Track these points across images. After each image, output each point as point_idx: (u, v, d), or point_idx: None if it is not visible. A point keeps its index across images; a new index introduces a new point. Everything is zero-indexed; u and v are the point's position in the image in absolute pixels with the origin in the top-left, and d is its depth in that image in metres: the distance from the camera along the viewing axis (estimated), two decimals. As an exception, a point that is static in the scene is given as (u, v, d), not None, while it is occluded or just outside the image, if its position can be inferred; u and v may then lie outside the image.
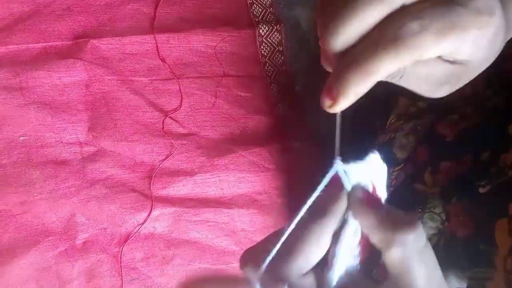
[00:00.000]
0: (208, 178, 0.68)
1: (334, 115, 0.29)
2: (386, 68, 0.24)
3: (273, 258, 0.27)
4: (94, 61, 0.64)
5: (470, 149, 0.41)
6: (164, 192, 0.65)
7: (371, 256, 0.29)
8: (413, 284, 0.25)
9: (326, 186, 0.29)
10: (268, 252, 0.27)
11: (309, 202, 0.28)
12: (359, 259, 0.30)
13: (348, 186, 0.29)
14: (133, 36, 0.66)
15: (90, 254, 0.61)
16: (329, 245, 0.28)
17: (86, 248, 0.61)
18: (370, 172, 0.29)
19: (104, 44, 0.65)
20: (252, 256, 0.28)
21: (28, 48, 0.61)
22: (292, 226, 0.27)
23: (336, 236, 0.29)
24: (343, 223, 0.29)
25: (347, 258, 0.29)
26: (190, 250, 0.65)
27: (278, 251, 0.27)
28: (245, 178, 0.70)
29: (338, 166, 0.28)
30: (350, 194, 0.28)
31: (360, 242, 0.30)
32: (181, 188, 0.66)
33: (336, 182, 0.29)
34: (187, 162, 0.67)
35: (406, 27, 0.24)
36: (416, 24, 0.24)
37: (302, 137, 0.76)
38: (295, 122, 0.76)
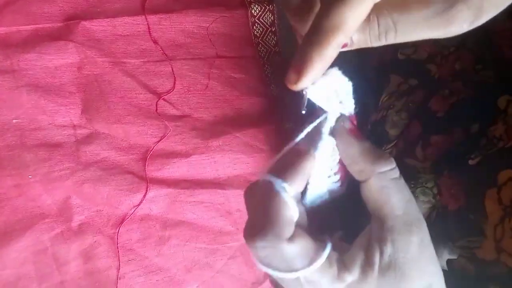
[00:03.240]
0: (203, 159, 0.68)
1: None
2: (347, 19, 0.23)
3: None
4: (86, 43, 0.64)
5: (460, 123, 0.41)
6: (159, 174, 0.65)
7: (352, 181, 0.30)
8: (393, 210, 0.27)
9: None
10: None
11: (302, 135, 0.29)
12: (339, 177, 0.31)
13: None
14: (124, 17, 0.66)
15: (86, 236, 0.61)
16: None
17: (82, 230, 0.61)
18: (333, 85, 0.30)
19: (95, 25, 0.64)
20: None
21: (18, 30, 0.61)
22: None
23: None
24: (317, 140, 0.30)
25: (325, 175, 0.31)
26: (186, 231, 0.66)
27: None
28: (239, 159, 0.70)
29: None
30: (337, 123, 0.30)
31: (339, 167, 0.31)
32: (176, 169, 0.66)
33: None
34: (182, 143, 0.67)
35: None
36: None
37: (296, 117, 0.76)
38: (288, 102, 0.76)
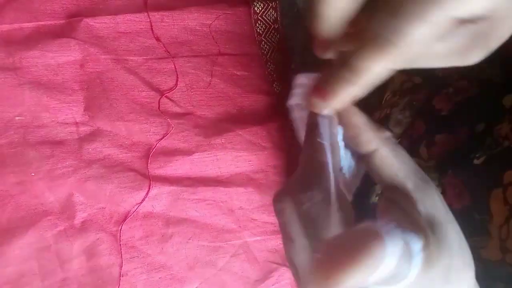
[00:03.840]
0: (206, 157, 0.68)
1: None
2: (374, 66, 0.24)
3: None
4: (88, 40, 0.63)
5: (465, 122, 0.41)
6: (162, 171, 0.65)
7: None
8: (410, 172, 0.27)
9: None
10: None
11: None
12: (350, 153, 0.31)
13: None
14: (126, 14, 0.66)
15: (89, 233, 0.61)
16: None
17: (85, 227, 0.61)
18: None
19: (97, 22, 0.64)
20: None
21: (21, 28, 0.60)
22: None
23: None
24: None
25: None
26: (188, 228, 0.66)
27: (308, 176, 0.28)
28: (242, 157, 0.70)
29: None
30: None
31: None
32: (179, 167, 0.66)
33: None
34: (184, 141, 0.67)
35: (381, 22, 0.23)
36: (388, 15, 0.23)
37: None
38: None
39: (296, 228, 0.26)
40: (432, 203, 0.27)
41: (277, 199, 0.28)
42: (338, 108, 0.28)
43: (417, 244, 0.25)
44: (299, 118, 0.34)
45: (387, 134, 0.28)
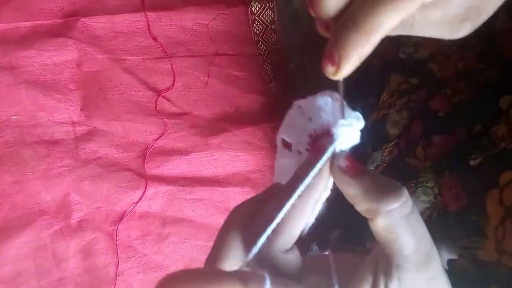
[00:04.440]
0: (202, 157, 0.68)
1: (332, 86, 0.28)
2: (389, 22, 0.23)
3: (254, 237, 0.25)
4: (85, 39, 0.63)
5: (462, 123, 0.41)
6: (158, 171, 0.65)
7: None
8: (401, 250, 0.25)
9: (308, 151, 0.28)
10: (253, 233, 0.26)
11: (305, 182, 0.26)
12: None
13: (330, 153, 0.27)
14: (124, 14, 0.65)
15: (85, 232, 0.61)
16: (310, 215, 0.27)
17: (81, 226, 0.61)
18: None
19: (94, 22, 0.64)
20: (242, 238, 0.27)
21: (17, 27, 0.60)
22: (284, 210, 0.26)
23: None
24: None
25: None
26: (185, 228, 0.66)
27: (257, 229, 0.26)
28: (239, 156, 0.70)
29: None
30: (332, 163, 0.27)
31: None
32: (176, 166, 0.66)
33: (320, 148, 0.27)
34: (181, 141, 0.67)
35: None
36: None
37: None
38: (288, 101, 0.75)
39: None
40: (412, 286, 0.25)
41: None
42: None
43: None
44: (285, 162, 0.31)
45: (395, 201, 0.24)
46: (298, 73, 0.77)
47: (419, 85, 0.50)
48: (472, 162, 0.38)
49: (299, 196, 0.26)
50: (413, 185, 0.44)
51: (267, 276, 0.22)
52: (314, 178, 0.26)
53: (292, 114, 0.30)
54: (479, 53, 0.44)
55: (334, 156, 0.27)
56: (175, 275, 0.20)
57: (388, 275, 0.25)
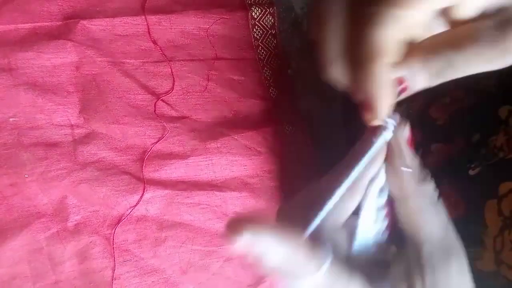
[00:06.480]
0: (201, 161, 0.68)
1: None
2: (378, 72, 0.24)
3: (306, 213, 0.26)
4: (84, 42, 0.63)
5: (460, 132, 0.41)
6: (156, 175, 0.65)
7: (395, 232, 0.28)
8: (431, 235, 0.25)
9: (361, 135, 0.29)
10: (305, 210, 0.26)
11: (361, 164, 0.27)
12: (385, 224, 0.29)
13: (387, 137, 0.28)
14: (124, 17, 0.65)
15: (82, 236, 0.61)
16: (362, 196, 0.28)
17: (78, 230, 0.61)
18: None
19: (94, 25, 0.64)
20: (289, 215, 0.27)
21: (16, 29, 0.60)
22: (346, 185, 0.26)
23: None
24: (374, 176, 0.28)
25: (372, 221, 0.28)
26: (182, 232, 0.66)
27: (309, 204, 0.26)
28: (237, 161, 0.70)
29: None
30: (398, 132, 0.28)
31: (386, 214, 0.29)
32: (174, 171, 0.66)
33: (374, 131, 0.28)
34: (180, 145, 0.67)
35: None
36: None
37: (294, 121, 0.76)
38: (287, 106, 0.76)
39: None
40: (445, 278, 0.25)
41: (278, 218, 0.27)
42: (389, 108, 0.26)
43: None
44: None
45: (428, 186, 0.26)
46: (297, 78, 0.77)
47: (418, 93, 0.50)
48: (471, 172, 0.38)
49: (352, 176, 0.27)
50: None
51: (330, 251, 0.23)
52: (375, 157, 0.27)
53: None
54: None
55: (399, 125, 0.28)
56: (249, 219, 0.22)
57: (422, 268, 0.25)
